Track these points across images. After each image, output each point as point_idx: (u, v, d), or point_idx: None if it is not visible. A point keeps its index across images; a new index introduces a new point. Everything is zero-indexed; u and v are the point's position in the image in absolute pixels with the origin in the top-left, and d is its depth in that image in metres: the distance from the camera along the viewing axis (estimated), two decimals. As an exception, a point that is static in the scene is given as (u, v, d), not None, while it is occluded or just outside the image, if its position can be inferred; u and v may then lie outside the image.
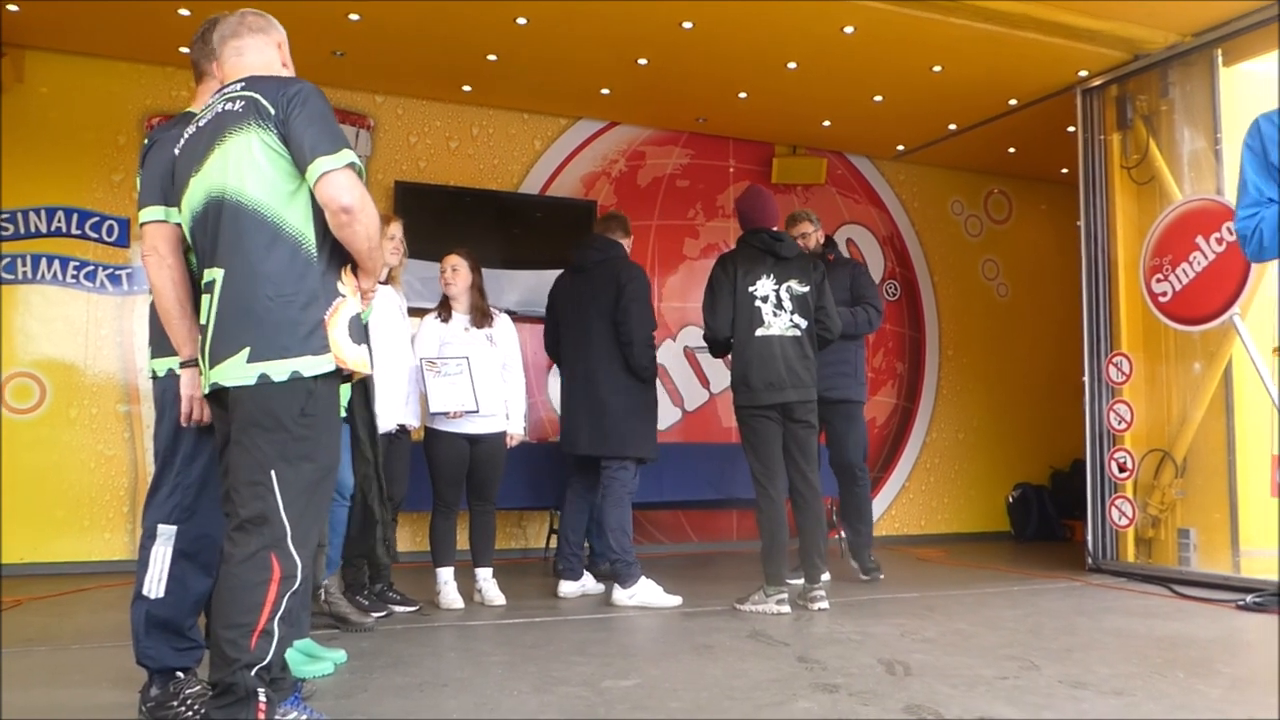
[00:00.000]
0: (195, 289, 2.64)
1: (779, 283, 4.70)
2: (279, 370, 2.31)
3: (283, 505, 2.31)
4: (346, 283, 2.47)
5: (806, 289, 4.73)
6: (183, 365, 2.65)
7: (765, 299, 4.68)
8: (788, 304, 4.69)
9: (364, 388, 3.88)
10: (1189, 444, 5.74)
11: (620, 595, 4.79)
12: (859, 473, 5.77)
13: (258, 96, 2.38)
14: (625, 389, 4.95)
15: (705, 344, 4.97)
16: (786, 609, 4.53)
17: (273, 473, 2.31)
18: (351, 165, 2.35)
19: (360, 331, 2.49)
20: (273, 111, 2.36)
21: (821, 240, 5.83)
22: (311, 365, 2.34)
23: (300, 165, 2.35)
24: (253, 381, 2.32)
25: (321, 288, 2.39)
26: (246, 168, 2.37)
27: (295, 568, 2.33)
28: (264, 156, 2.36)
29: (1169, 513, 5.84)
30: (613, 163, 7.65)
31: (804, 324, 4.71)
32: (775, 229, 4.84)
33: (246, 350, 2.33)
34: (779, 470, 4.68)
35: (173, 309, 2.64)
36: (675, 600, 4.80)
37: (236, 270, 2.36)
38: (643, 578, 4.82)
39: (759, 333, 4.66)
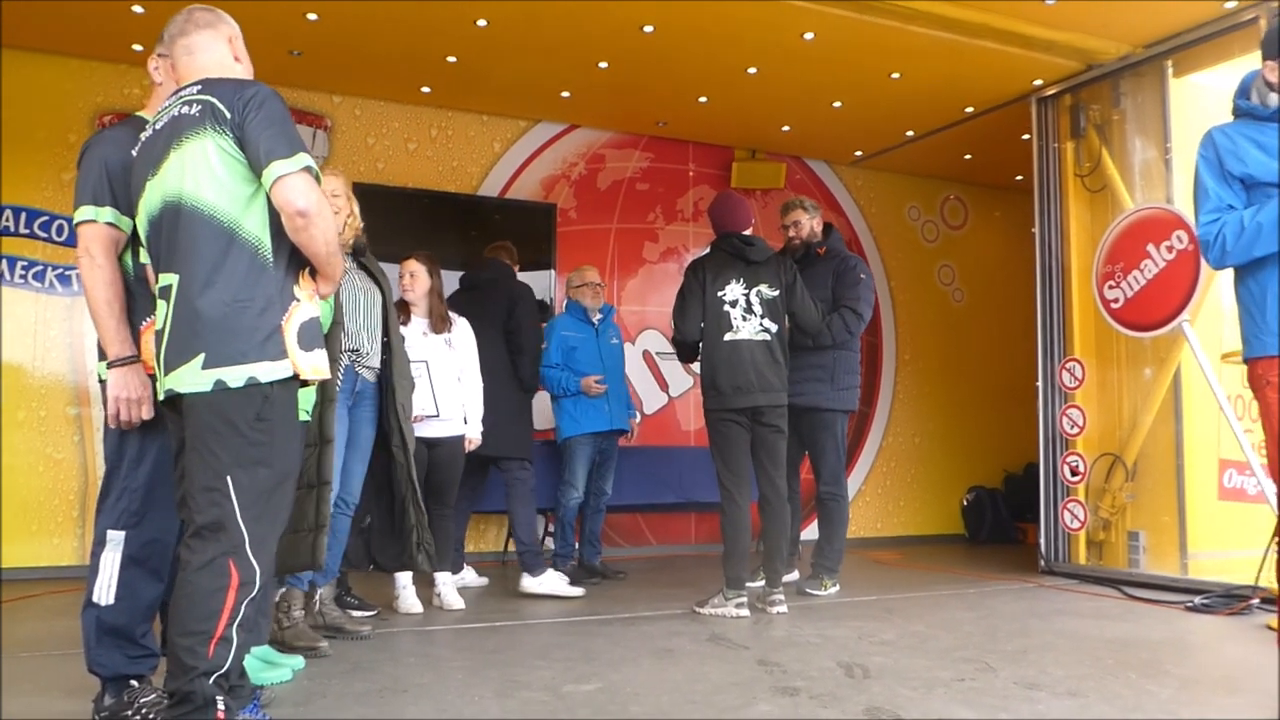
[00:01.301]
0: (127, 290, 2.65)
1: (749, 287, 4.72)
2: (234, 376, 2.29)
3: (239, 511, 2.29)
4: (304, 286, 2.44)
5: (777, 293, 4.75)
6: (110, 366, 2.63)
7: (734, 303, 4.70)
8: (757, 308, 4.71)
9: (391, 391, 4.00)
10: (1139, 448, 5.84)
11: (529, 583, 5.12)
12: (824, 483, 5.32)
13: (214, 100, 2.35)
14: (516, 395, 5.39)
15: (673, 347, 5.00)
16: (745, 612, 4.56)
17: (229, 479, 2.29)
18: (308, 169, 2.32)
19: (315, 336, 2.46)
20: (229, 115, 2.33)
21: (819, 229, 5.48)
22: (268, 371, 2.31)
23: (256, 169, 2.32)
24: (208, 388, 2.29)
25: (278, 293, 2.37)
26: (203, 173, 2.34)
27: (254, 574, 2.30)
28: (219, 161, 2.34)
29: (1119, 516, 5.94)
30: (572, 165, 7.65)
31: (774, 328, 4.73)
32: (746, 233, 4.86)
33: (201, 356, 2.30)
34: (745, 474, 4.71)
35: (102, 309, 2.62)
36: (578, 591, 5.19)
37: (192, 276, 2.33)
38: (549, 569, 5.22)
39: (727, 337, 4.68)
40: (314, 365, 2.44)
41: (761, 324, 4.71)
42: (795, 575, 5.54)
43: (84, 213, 2.65)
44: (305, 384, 2.49)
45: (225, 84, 2.41)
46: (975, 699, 3.01)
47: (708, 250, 4.95)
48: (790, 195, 8.18)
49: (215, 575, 2.26)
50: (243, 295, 2.31)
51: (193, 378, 2.30)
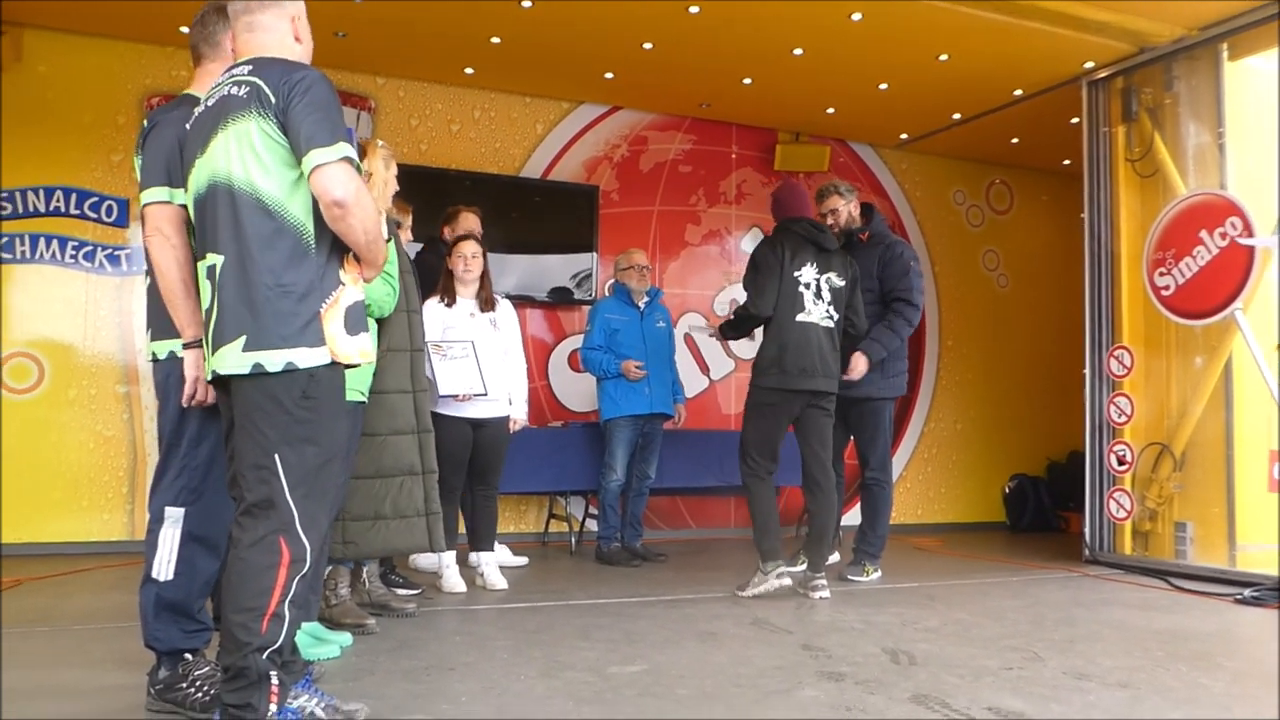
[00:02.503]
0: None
1: (820, 273, 4.77)
2: (273, 361, 2.30)
3: (288, 489, 2.30)
4: (349, 271, 2.44)
5: (843, 284, 4.82)
6: (186, 346, 2.64)
7: (809, 286, 4.74)
8: (826, 295, 4.76)
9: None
10: (1188, 438, 5.75)
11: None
12: (871, 469, 5.29)
13: (260, 83, 2.34)
14: None
15: (737, 322, 4.99)
16: (788, 580, 4.64)
17: (276, 457, 2.30)
18: (347, 159, 2.30)
19: (360, 320, 2.46)
20: (274, 100, 2.32)
21: (856, 214, 5.34)
22: (306, 357, 2.31)
23: (297, 155, 2.31)
24: (247, 370, 2.31)
25: (319, 279, 2.36)
26: (248, 156, 2.34)
27: (304, 551, 2.32)
28: (263, 145, 2.33)
29: (1166, 506, 5.86)
30: (615, 147, 7.63)
31: (837, 317, 4.80)
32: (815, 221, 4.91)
33: (243, 339, 2.31)
34: (777, 454, 4.77)
35: (177, 289, 2.62)
36: (522, 560, 5.58)
37: (236, 258, 2.34)
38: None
39: (799, 318, 4.71)
40: (360, 349, 2.43)
41: (828, 310, 4.77)
42: (835, 557, 5.52)
43: (156, 193, 2.66)
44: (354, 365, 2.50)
45: (275, 66, 2.39)
46: (1024, 688, 2.99)
47: (775, 231, 4.92)
48: (827, 179, 8.16)
49: (267, 552, 2.28)
50: (285, 280, 2.32)
51: (234, 359, 2.32)
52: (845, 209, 5.29)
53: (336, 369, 2.38)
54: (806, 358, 4.67)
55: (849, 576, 5.22)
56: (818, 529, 4.77)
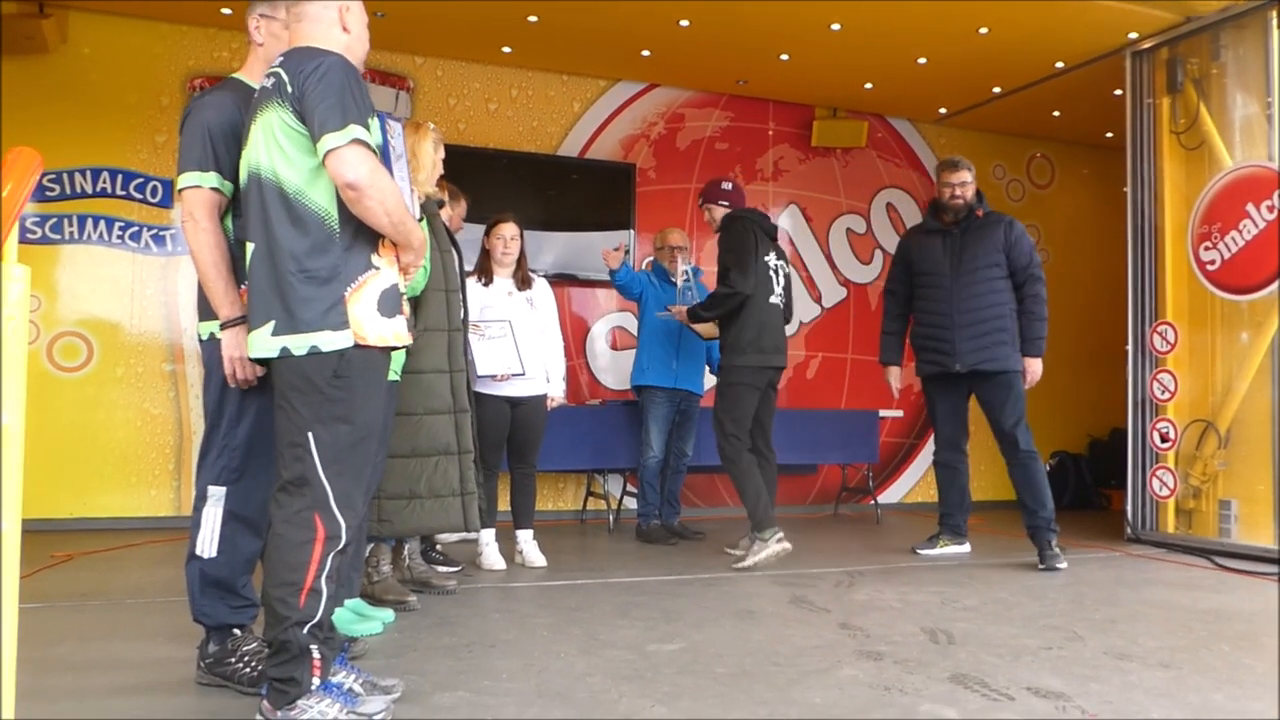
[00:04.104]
0: (233, 251, 2.68)
1: (777, 259, 5.22)
2: (298, 345, 2.34)
3: (320, 467, 2.35)
4: (383, 255, 2.46)
5: (788, 269, 5.32)
6: (223, 326, 2.67)
7: (773, 270, 5.16)
8: (781, 279, 5.21)
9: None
10: (1233, 415, 5.68)
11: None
12: (1024, 442, 5.16)
13: (282, 73, 2.39)
14: None
15: (722, 302, 5.06)
16: (788, 545, 4.90)
17: (310, 435, 2.35)
18: (357, 141, 2.30)
19: (395, 304, 2.48)
20: (290, 89, 2.36)
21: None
22: (330, 340, 2.34)
23: (313, 142, 2.34)
24: (275, 354, 2.36)
25: (344, 263, 2.38)
26: (273, 145, 2.39)
27: (339, 528, 2.36)
28: (284, 135, 2.37)
29: (1210, 484, 5.80)
30: (652, 125, 7.61)
31: (786, 300, 5.27)
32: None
33: (272, 324, 2.37)
34: (749, 428, 5.12)
35: (209, 271, 2.66)
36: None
37: (265, 245, 2.40)
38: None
39: (771, 300, 5.12)
40: (394, 332, 2.45)
41: (781, 293, 5.20)
42: (967, 548, 5.50)
43: (189, 178, 2.69)
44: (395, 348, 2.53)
45: (299, 54, 2.42)
46: (1064, 668, 2.98)
47: (737, 218, 5.18)
48: (865, 155, 8.11)
49: (302, 529, 2.33)
50: (309, 265, 2.35)
51: (263, 343, 2.38)
52: (973, 184, 5.26)
53: (369, 350, 2.40)
54: (779, 337, 5.14)
55: (1058, 565, 4.91)
56: (771, 495, 5.05)
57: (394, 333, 2.46)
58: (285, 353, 2.35)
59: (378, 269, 2.43)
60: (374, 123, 2.44)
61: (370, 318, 2.39)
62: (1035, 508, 5.07)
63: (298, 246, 2.36)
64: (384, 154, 2.49)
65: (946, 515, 5.52)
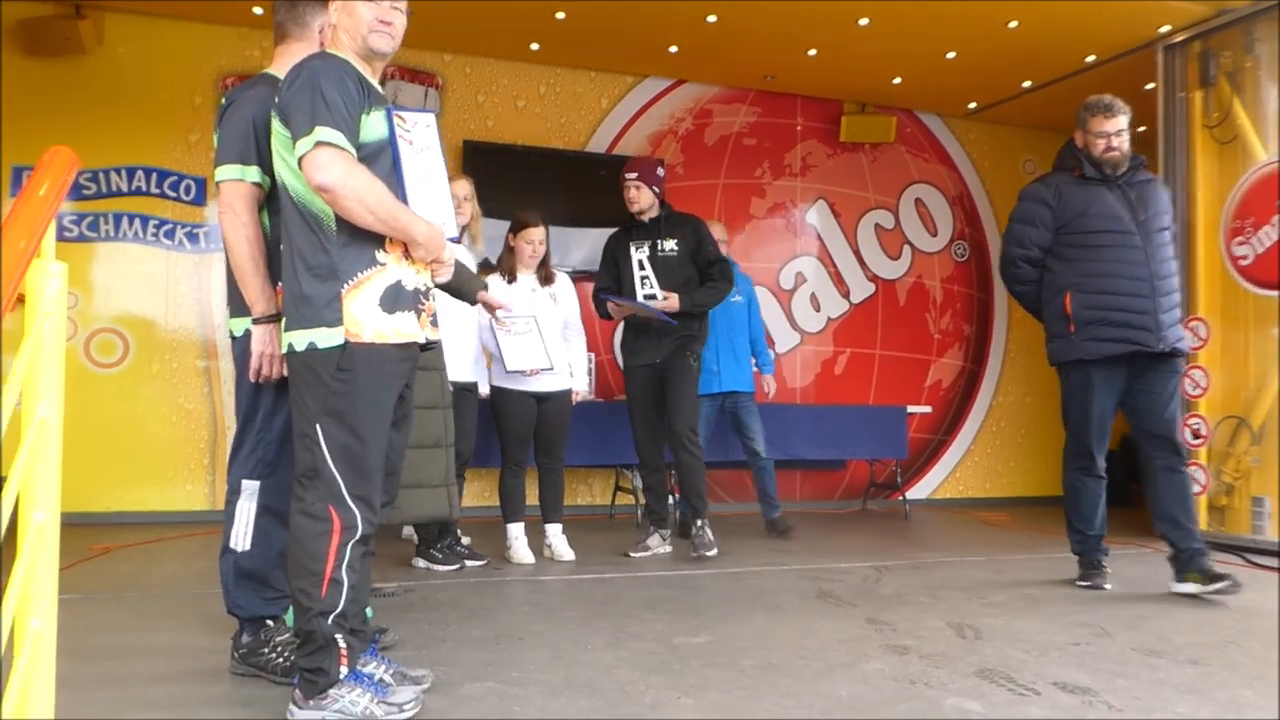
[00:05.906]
0: (270, 247, 2.71)
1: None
2: (299, 340, 2.41)
3: (330, 459, 2.38)
4: (390, 252, 2.46)
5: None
6: (255, 322, 2.71)
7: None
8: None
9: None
10: (1266, 411, 5.63)
11: None
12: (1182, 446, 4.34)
13: (279, 77, 2.49)
14: None
15: (709, 295, 5.16)
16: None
17: (318, 426, 2.39)
18: (323, 143, 2.30)
19: (399, 299, 2.46)
20: (277, 99, 2.44)
21: None
22: (325, 337, 2.38)
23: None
24: (284, 349, 2.46)
25: (342, 260, 2.40)
26: (278, 154, 2.47)
27: (354, 519, 2.38)
28: (279, 143, 2.45)
29: (1243, 480, 5.75)
30: (679, 121, 7.62)
31: None
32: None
33: (285, 320, 2.47)
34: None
35: (246, 265, 2.69)
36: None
37: (286, 246, 2.48)
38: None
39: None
40: (395, 328, 2.45)
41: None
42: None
43: (230, 170, 2.72)
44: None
45: (294, 67, 2.47)
46: (1091, 664, 2.97)
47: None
48: (894, 150, 8.06)
49: (317, 520, 2.37)
50: (312, 263, 2.41)
51: (283, 337, 2.50)
52: (1129, 130, 4.30)
53: (374, 346, 2.41)
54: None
55: (1211, 596, 4.05)
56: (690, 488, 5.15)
57: (397, 329, 2.45)
58: (291, 348, 2.42)
59: (383, 265, 2.43)
60: (375, 115, 2.43)
61: (369, 314, 2.40)
62: (1191, 525, 4.16)
63: (304, 246, 2.42)
64: (391, 147, 2.46)
65: (1097, 538, 4.55)
